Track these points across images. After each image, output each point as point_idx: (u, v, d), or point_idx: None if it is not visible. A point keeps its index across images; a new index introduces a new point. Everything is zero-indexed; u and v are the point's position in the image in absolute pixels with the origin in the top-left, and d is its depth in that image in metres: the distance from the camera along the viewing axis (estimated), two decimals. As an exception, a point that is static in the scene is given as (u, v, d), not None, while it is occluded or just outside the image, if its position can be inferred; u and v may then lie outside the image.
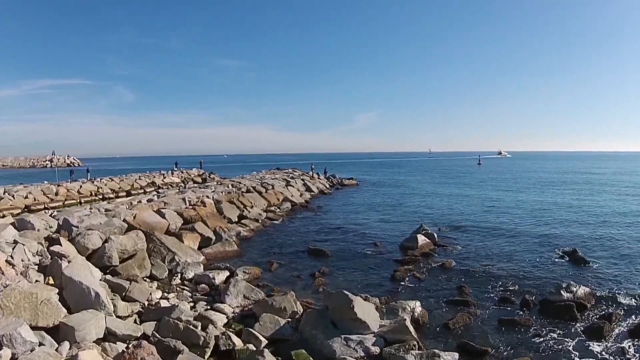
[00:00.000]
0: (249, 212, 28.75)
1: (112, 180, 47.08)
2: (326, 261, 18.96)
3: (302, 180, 48.49)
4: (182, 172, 65.74)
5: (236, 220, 26.78)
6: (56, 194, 34.78)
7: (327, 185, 52.25)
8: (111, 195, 41.77)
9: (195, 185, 42.04)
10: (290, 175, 51.65)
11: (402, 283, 16.17)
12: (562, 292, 13.77)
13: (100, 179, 46.64)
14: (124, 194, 43.47)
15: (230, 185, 35.34)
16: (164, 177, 57.99)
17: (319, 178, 55.80)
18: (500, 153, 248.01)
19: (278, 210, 32.25)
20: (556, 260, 19.30)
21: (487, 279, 16.56)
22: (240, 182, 37.73)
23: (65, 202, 34.19)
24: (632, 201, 39.15)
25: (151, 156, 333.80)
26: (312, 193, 44.40)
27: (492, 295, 15.01)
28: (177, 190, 34.05)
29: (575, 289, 13.91)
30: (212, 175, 67.67)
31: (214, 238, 21.98)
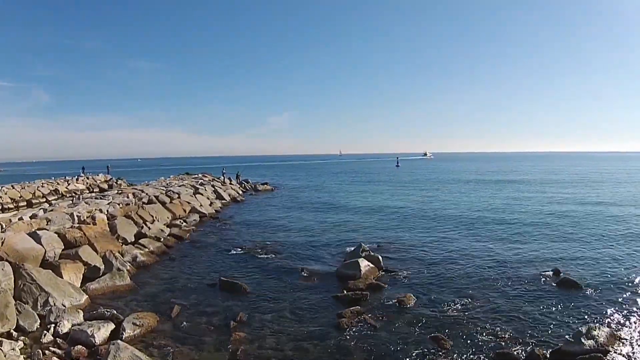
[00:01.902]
0: (149, 228, 23.98)
1: (13, 188, 40.36)
2: (244, 301, 14.28)
3: (213, 186, 43.57)
4: (87, 178, 59.31)
5: (133, 240, 22.07)
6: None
7: (240, 192, 47.57)
8: (11, 206, 35.58)
9: (91, 195, 36.22)
10: (200, 181, 46.40)
11: (354, 337, 11.40)
12: (582, 339, 10.42)
13: (2, 187, 39.90)
14: (25, 203, 37.38)
15: (131, 195, 30.44)
16: (68, 184, 51.72)
17: (230, 183, 50.93)
18: (425, 154, 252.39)
19: (184, 224, 27.42)
20: (540, 285, 15.41)
21: (466, 321, 12.26)
22: (142, 191, 32.84)
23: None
24: (562, 201, 38.51)
25: (69, 160, 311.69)
26: (224, 201, 39.72)
27: (483, 348, 10.76)
28: (71, 202, 28.89)
29: (596, 333, 10.63)
30: (119, 181, 61.64)
31: (102, 267, 17.41)
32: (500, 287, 15.27)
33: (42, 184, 48.50)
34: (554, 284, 15.49)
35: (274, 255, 20.26)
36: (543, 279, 16.10)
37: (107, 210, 24.90)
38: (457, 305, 13.53)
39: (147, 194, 31.17)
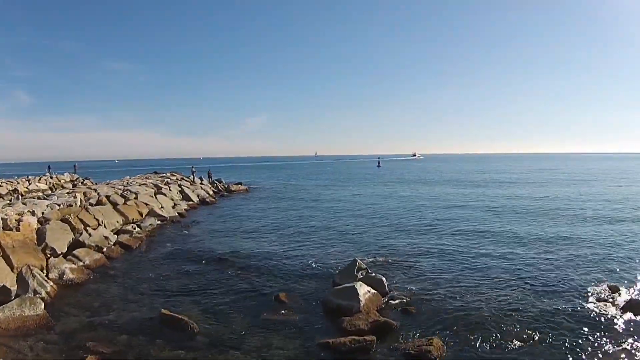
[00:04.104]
0: (90, 235, 18.66)
1: (-32, 188, 35.10)
2: (190, 348, 9.18)
3: (180, 186, 37.63)
4: (51, 178, 53.51)
5: (64, 251, 16.51)
6: None
7: (211, 192, 41.62)
8: (-38, 207, 30.32)
9: (34, 194, 30.20)
10: (165, 180, 40.29)
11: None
12: None
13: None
14: (-22, 205, 31.96)
15: (79, 194, 24.91)
16: (29, 184, 45.97)
17: (201, 183, 45.17)
18: (414, 155, 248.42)
19: (137, 230, 21.86)
20: (600, 311, 10.83)
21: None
22: (95, 190, 27.35)
23: None
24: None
25: (48, 161, 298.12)
26: (191, 203, 33.91)
27: None
28: (7, 203, 23.41)
29: None
30: (85, 181, 56.00)
31: (14, 289, 12.47)
32: (549, 317, 10.50)
33: (1, 183, 43.15)
34: (617, 309, 10.93)
35: (241, 274, 14.85)
36: (599, 300, 11.57)
37: (43, 213, 19.63)
38: (508, 356, 8.71)
39: (98, 193, 25.71)
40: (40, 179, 51.03)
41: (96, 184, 51.39)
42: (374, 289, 11.55)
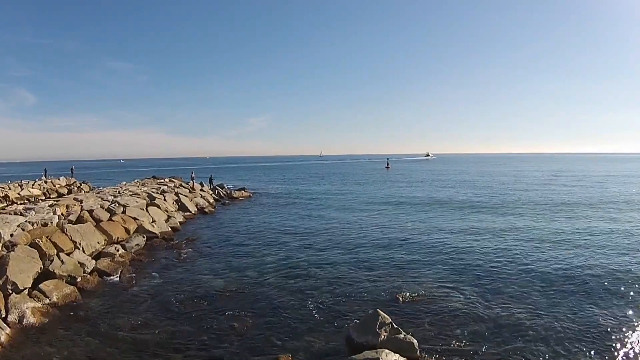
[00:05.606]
0: (63, 262, 15.98)
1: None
2: None
3: (177, 194, 34.49)
4: (46, 182, 50.99)
5: (30, 285, 13.88)
6: None
7: (211, 200, 38.63)
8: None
9: (12, 209, 26.92)
10: (161, 188, 36.84)
11: None
12: None
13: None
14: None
15: (60, 208, 22.27)
16: (22, 189, 43.47)
17: (201, 190, 42.29)
18: (428, 155, 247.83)
19: (121, 251, 18.92)
20: None
21: None
22: (81, 202, 24.60)
23: None
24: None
25: (53, 161, 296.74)
26: (187, 214, 30.92)
27: None
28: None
29: None
30: (82, 185, 53.55)
31: (-41, 340, 9.76)
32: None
33: (-8, 189, 40.76)
34: None
35: (232, 323, 11.69)
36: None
37: (11, 235, 17.03)
38: None
39: (82, 206, 22.98)
40: (34, 184, 48.53)
41: (93, 188, 49.02)
42: (402, 354, 8.73)
